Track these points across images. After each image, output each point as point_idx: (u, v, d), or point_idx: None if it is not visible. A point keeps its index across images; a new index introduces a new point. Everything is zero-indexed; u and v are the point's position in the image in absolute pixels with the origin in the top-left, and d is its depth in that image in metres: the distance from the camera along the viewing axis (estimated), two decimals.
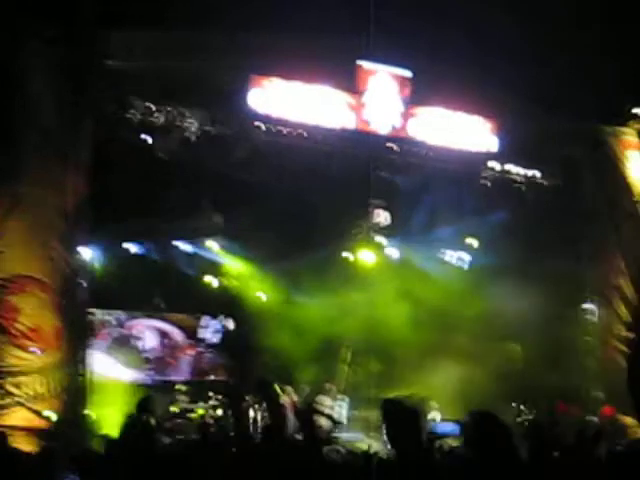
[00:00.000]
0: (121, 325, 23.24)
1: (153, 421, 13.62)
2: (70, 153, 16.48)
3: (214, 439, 12.27)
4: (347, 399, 22.00)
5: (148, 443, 10.07)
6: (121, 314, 23.27)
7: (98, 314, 21.66)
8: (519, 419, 21.03)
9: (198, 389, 22.36)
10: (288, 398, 21.34)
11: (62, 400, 16.12)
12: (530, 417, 21.14)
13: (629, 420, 18.62)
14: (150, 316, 23.76)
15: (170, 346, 23.97)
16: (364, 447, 15.65)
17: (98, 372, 20.98)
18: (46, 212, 16.22)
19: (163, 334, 23.91)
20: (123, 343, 23.19)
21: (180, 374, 23.70)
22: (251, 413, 20.92)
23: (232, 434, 15.07)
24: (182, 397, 21.49)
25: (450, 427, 15.76)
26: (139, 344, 23.43)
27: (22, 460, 10.72)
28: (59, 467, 10.32)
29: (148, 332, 23.67)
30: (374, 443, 16.76)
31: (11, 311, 15.93)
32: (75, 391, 16.50)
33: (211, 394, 21.60)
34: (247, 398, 21.40)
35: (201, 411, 20.90)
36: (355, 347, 22.19)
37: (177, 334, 24.11)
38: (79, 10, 16.29)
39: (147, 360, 23.44)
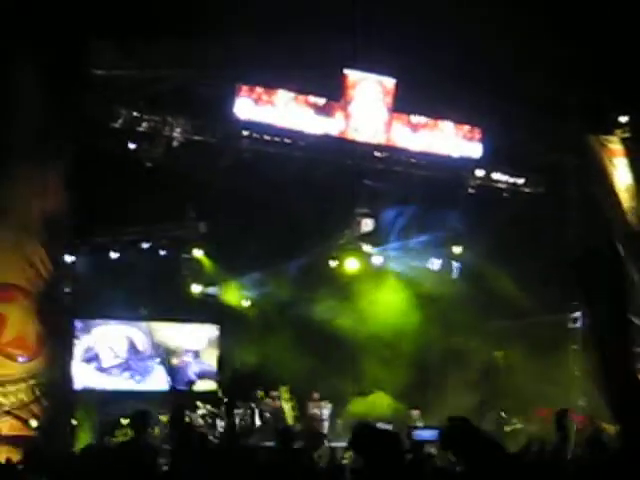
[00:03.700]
0: (91, 334, 23.22)
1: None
2: (54, 161, 16.46)
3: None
4: (330, 405, 22.12)
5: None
6: (99, 321, 23.24)
7: (81, 321, 21.71)
8: (507, 428, 21.05)
9: (186, 398, 22.30)
10: (273, 402, 21.51)
11: (45, 407, 16.09)
12: (518, 426, 21.14)
13: (612, 429, 18.57)
14: (131, 323, 23.76)
15: (151, 354, 23.91)
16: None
17: (77, 379, 21.07)
18: (29, 219, 16.20)
19: (142, 342, 23.85)
20: (101, 351, 23.18)
21: (165, 382, 23.62)
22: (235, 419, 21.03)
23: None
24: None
25: (430, 433, 15.74)
26: (115, 352, 23.40)
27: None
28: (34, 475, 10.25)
29: (125, 339, 23.65)
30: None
31: None
32: (58, 398, 16.47)
33: (199, 404, 21.55)
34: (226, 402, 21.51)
35: (187, 420, 20.85)
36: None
37: (159, 341, 24.06)
38: (67, 19, 16.27)
39: (126, 367, 23.45)
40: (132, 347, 23.77)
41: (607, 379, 4.05)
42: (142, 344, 23.88)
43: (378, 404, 23.15)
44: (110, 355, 23.42)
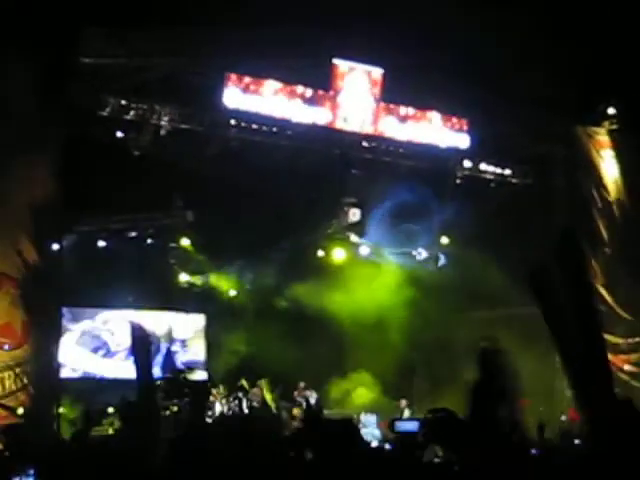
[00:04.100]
0: (92, 320, 23.19)
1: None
2: (41, 149, 16.40)
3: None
4: (315, 394, 22.17)
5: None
6: (92, 309, 23.20)
7: (68, 309, 21.65)
8: None
9: (174, 386, 22.30)
10: (258, 391, 21.53)
11: (31, 396, 16.07)
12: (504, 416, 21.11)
13: None
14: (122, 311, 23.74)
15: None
16: None
17: (69, 367, 21.07)
18: (17, 208, 16.15)
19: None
20: (94, 338, 23.13)
21: (155, 371, 23.62)
22: (217, 407, 21.10)
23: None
24: (158, 394, 21.44)
25: (413, 425, 15.66)
26: (110, 339, 23.39)
27: None
28: (17, 462, 10.21)
29: (121, 326, 23.60)
30: None
31: None
32: (44, 386, 16.46)
33: (187, 391, 21.56)
34: (214, 392, 21.57)
35: (176, 409, 20.88)
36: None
37: (150, 330, 24.01)
38: (55, 8, 16.20)
39: (119, 355, 23.43)
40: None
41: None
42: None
43: (359, 392, 23.25)
44: (114, 341, 23.44)
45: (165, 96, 18.61)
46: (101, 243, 21.25)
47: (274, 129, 19.52)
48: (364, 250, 23.03)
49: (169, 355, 24.25)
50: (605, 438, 3.90)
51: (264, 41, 17.77)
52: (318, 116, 19.55)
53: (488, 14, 17.95)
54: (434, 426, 6.03)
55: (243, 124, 19.26)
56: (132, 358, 6.41)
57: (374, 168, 21.22)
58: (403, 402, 21.90)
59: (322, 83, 19.57)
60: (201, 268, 23.29)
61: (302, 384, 21.99)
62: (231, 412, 21.25)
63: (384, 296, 21.99)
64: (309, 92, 19.46)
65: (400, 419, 19.43)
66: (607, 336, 20.49)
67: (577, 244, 4.12)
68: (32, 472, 9.59)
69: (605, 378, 3.96)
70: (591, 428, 3.95)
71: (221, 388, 21.78)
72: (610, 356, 4.53)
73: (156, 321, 24.22)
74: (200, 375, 23.98)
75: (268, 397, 21.49)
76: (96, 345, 23.16)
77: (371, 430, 20.76)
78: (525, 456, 9.16)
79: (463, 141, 20.93)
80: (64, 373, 20.67)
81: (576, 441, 11.33)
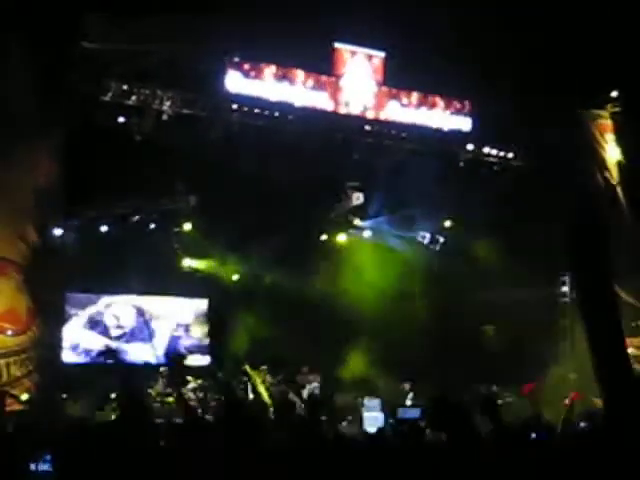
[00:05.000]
0: (96, 305, 23.22)
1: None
2: (44, 135, 16.41)
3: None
4: (319, 378, 22.18)
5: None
6: (95, 295, 23.22)
7: (73, 294, 21.69)
8: (499, 402, 21.09)
9: (177, 372, 22.32)
10: (260, 377, 21.55)
11: (36, 382, 16.11)
12: (509, 400, 21.18)
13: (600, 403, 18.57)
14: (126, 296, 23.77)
15: (147, 327, 23.91)
16: None
17: (73, 352, 21.12)
18: (20, 194, 16.17)
19: (141, 313, 23.84)
20: (98, 324, 23.16)
21: (157, 356, 23.67)
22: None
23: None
24: (161, 380, 21.46)
25: (415, 412, 15.77)
26: (112, 323, 23.41)
27: None
28: (32, 448, 10.26)
29: (126, 311, 23.62)
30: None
31: None
32: (48, 372, 16.50)
33: (190, 378, 21.60)
34: (219, 376, 21.60)
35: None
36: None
37: (153, 315, 24.04)
38: None
39: (123, 340, 23.47)
40: (140, 316, 23.80)
41: (595, 350, 4.19)
42: (146, 316, 23.91)
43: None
44: (116, 325, 23.46)
45: (167, 81, 18.57)
46: (104, 228, 21.21)
47: (276, 114, 19.51)
48: (367, 234, 23.06)
49: (173, 340, 24.30)
50: (621, 411, 3.98)
51: (266, 25, 17.72)
52: (320, 100, 19.55)
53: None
54: (436, 413, 6.05)
55: (245, 109, 19.25)
56: None
57: (377, 152, 21.19)
58: (406, 385, 21.94)
59: (323, 68, 19.56)
60: (204, 253, 23.26)
61: (305, 368, 22.03)
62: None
63: (388, 279, 22.03)
64: (311, 77, 19.44)
65: (403, 406, 19.51)
66: None
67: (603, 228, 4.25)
68: (48, 458, 9.65)
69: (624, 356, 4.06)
70: (608, 403, 4.05)
71: (220, 375, 21.89)
72: None
73: (159, 306, 24.28)
74: (202, 360, 24.05)
75: (260, 387, 21.47)
76: (98, 330, 23.19)
77: (374, 414, 20.81)
78: (525, 440, 9.23)
79: (466, 124, 20.95)
80: (73, 357, 20.83)
81: (582, 424, 11.35)
